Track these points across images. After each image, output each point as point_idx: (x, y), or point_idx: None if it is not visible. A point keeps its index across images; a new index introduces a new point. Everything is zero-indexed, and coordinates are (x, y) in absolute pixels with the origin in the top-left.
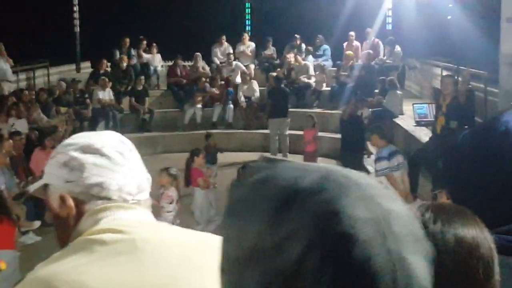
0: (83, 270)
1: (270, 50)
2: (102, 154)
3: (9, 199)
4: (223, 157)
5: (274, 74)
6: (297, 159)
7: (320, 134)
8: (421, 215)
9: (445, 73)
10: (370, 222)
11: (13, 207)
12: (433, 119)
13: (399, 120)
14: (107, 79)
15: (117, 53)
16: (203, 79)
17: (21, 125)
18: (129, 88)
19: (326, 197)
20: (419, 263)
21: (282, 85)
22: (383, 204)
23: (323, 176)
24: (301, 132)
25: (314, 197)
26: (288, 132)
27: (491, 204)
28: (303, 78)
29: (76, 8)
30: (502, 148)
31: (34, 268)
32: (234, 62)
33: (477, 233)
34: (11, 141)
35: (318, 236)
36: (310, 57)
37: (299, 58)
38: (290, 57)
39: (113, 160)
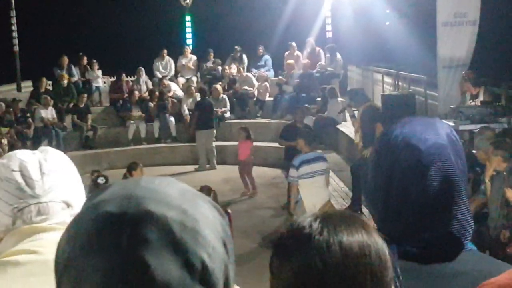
0: None
1: (212, 62)
2: (8, 180)
3: None
4: (168, 170)
5: (218, 86)
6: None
7: (263, 144)
8: (309, 226)
9: (386, 79)
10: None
11: None
12: None
13: (342, 127)
14: (49, 98)
15: (58, 71)
16: (136, 93)
17: None
18: (71, 105)
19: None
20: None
21: (207, 97)
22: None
23: None
24: None
25: None
26: (214, 143)
27: (392, 217)
28: (246, 89)
29: (14, 27)
30: (392, 163)
31: None
32: (167, 82)
33: (365, 239)
34: None
35: None
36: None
37: (241, 69)
38: (232, 68)
39: (18, 186)
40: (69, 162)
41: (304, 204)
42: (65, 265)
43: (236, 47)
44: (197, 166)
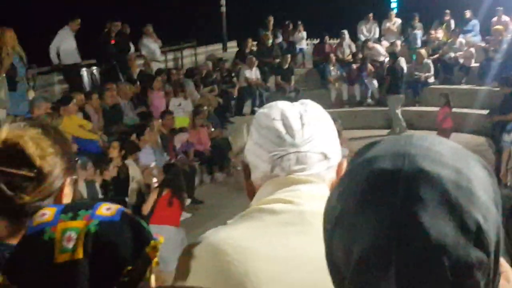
0: (251, 237)
1: (417, 27)
2: (269, 128)
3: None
4: (361, 134)
5: (422, 51)
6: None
7: (467, 110)
8: None
9: None
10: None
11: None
12: None
13: None
14: (253, 58)
15: (263, 32)
16: (339, 56)
17: (187, 105)
18: (275, 66)
19: None
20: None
21: (398, 62)
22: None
23: None
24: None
25: None
26: (400, 108)
27: None
28: (451, 54)
29: None
30: None
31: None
32: (372, 45)
33: None
34: (160, 120)
35: None
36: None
37: (447, 34)
38: (438, 33)
39: (278, 134)
40: (327, 115)
41: None
42: (337, 220)
43: (446, 11)
44: (389, 131)
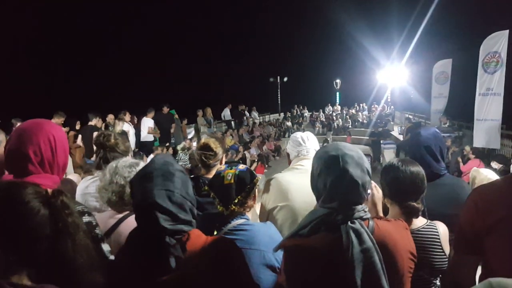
0: (289, 176)
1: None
2: (296, 139)
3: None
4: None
5: None
6: None
7: None
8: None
9: None
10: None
11: None
12: None
13: None
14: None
15: (292, 110)
16: (319, 118)
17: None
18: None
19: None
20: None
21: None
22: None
23: None
24: None
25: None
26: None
27: None
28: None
29: None
30: None
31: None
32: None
33: (419, 169)
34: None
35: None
36: None
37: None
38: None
39: (299, 141)
40: (315, 137)
41: None
42: (317, 173)
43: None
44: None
